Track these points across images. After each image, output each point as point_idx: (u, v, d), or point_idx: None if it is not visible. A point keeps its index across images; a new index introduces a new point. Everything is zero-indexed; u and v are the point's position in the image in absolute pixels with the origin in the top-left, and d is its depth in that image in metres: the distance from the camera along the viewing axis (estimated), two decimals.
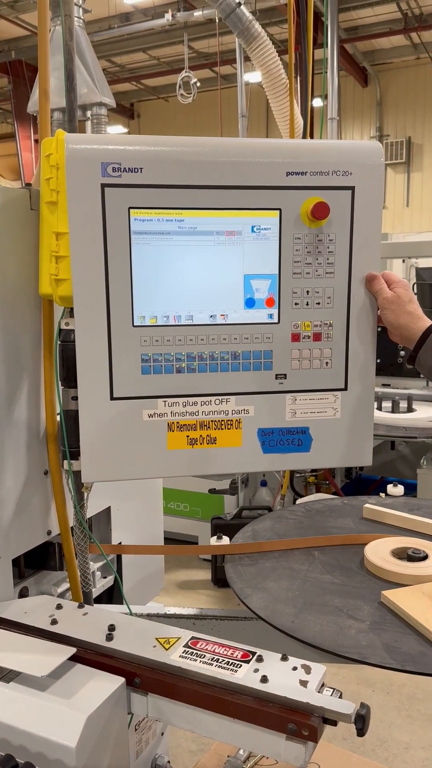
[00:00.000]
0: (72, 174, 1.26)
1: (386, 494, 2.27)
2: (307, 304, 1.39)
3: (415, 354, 1.37)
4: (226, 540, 1.70)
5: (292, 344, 1.39)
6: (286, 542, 1.61)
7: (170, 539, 2.77)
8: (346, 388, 1.44)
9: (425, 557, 1.46)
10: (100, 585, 1.73)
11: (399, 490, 2.64)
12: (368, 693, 3.05)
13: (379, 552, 1.49)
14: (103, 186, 1.26)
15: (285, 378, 1.41)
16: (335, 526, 1.73)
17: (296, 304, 1.38)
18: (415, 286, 4.46)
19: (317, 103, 6.97)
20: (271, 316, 1.38)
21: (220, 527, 3.34)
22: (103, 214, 1.27)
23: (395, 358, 4.08)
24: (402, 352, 4.02)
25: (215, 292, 1.35)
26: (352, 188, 1.36)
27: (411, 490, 3.52)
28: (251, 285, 1.36)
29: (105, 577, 1.76)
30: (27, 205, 1.41)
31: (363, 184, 1.36)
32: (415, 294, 4.58)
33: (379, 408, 3.86)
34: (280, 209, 1.34)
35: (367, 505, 1.79)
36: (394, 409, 3.84)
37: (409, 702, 3.01)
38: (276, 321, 1.38)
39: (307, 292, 1.38)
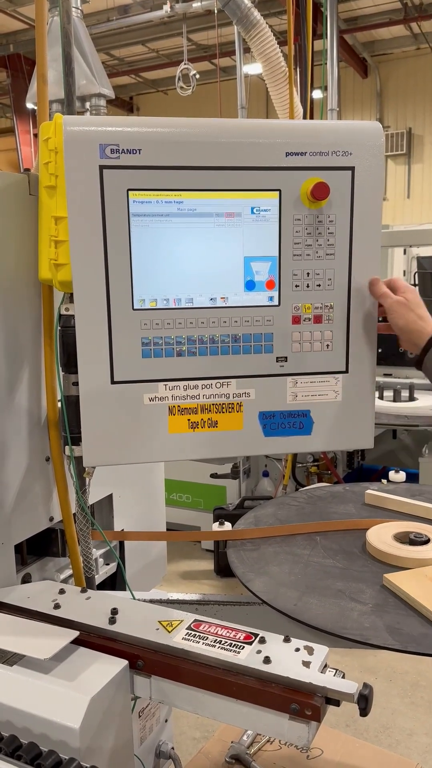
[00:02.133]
0: (70, 156, 1.25)
1: (388, 481, 2.27)
2: (308, 286, 1.38)
3: (421, 358, 1.36)
4: (228, 526, 1.70)
5: (293, 327, 1.39)
6: (288, 527, 1.61)
7: (172, 530, 2.78)
8: (347, 371, 1.43)
9: (427, 541, 1.46)
10: (103, 572, 1.74)
11: (401, 476, 2.64)
12: (371, 680, 3.05)
13: (381, 536, 1.49)
14: (102, 168, 1.26)
15: (286, 361, 1.40)
16: (337, 511, 1.73)
17: (297, 286, 1.38)
18: (416, 275, 4.45)
19: (317, 94, 6.94)
20: (271, 298, 1.37)
21: (222, 517, 3.35)
22: (102, 197, 1.27)
23: (397, 347, 4.07)
24: None
25: (215, 274, 1.34)
26: (352, 168, 1.35)
27: (413, 479, 3.51)
28: (251, 267, 1.35)
29: (107, 564, 1.76)
30: (26, 191, 1.40)
31: (363, 164, 1.35)
32: (416, 284, 4.58)
33: (381, 397, 3.86)
34: (279, 190, 1.33)
35: (368, 491, 1.79)
36: (396, 398, 3.83)
37: (412, 689, 3.02)
38: (276, 303, 1.38)
39: (308, 274, 1.38)
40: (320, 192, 1.32)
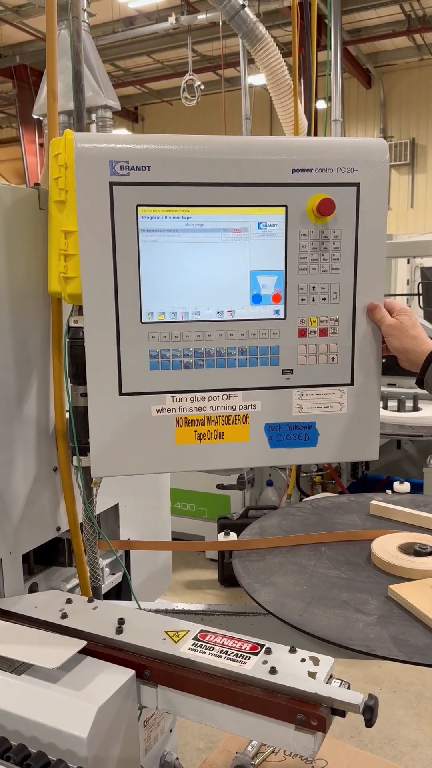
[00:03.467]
0: (81, 172, 1.27)
1: (393, 491, 2.28)
2: (314, 300, 1.40)
3: (422, 376, 1.39)
4: (233, 536, 1.71)
5: (299, 340, 1.41)
6: (293, 538, 1.62)
7: (177, 539, 2.79)
8: (352, 383, 1.45)
9: None
10: (109, 581, 1.75)
11: (405, 487, 2.65)
12: (375, 691, 3.04)
13: (386, 547, 1.50)
14: (112, 184, 1.28)
15: (291, 373, 1.42)
16: (342, 522, 1.74)
17: (302, 299, 1.40)
18: (420, 285, 4.46)
19: (321, 105, 7.00)
20: (277, 311, 1.39)
21: (226, 527, 3.35)
22: (112, 212, 1.29)
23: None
24: None
25: (222, 288, 1.36)
26: (357, 185, 1.37)
27: (417, 489, 3.52)
28: (258, 281, 1.37)
29: (113, 574, 1.77)
30: (36, 205, 1.43)
31: (368, 181, 1.37)
32: (420, 294, 4.60)
33: (385, 407, 3.87)
34: (286, 206, 1.35)
35: (373, 502, 1.80)
36: (400, 408, 3.84)
37: (417, 700, 3.01)
38: (282, 317, 1.40)
39: (313, 287, 1.39)
40: (326, 208, 1.34)
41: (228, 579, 4.05)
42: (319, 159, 1.35)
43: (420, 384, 1.40)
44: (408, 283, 6.38)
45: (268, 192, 1.34)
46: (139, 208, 1.30)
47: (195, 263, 1.35)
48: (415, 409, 3.89)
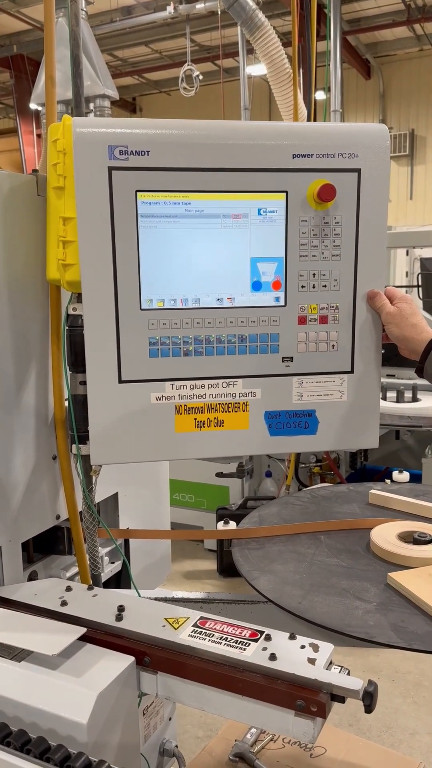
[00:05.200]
0: (79, 157, 1.26)
1: (392, 481, 2.29)
2: (314, 287, 1.39)
3: (421, 365, 1.38)
4: (233, 525, 1.71)
5: (299, 327, 1.40)
6: (293, 527, 1.62)
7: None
8: (352, 371, 1.44)
9: (431, 540, 1.47)
10: (108, 570, 1.75)
11: (404, 476, 2.66)
12: (374, 680, 3.06)
13: (385, 536, 1.50)
14: (111, 169, 1.27)
15: (291, 361, 1.41)
16: (341, 511, 1.74)
17: (303, 287, 1.39)
18: (420, 276, 4.45)
19: (320, 95, 6.96)
20: (277, 299, 1.39)
21: (225, 517, 3.36)
22: (111, 198, 1.28)
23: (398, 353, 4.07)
24: None
25: (222, 275, 1.36)
26: (358, 170, 1.36)
27: (416, 480, 3.52)
28: (258, 268, 1.36)
29: (113, 563, 1.78)
30: (34, 191, 1.42)
31: (369, 167, 1.36)
32: (420, 285, 4.59)
33: (384, 398, 3.87)
34: (286, 192, 1.34)
35: (372, 491, 1.80)
36: (399, 398, 3.84)
37: (415, 689, 3.02)
38: (282, 304, 1.39)
39: (314, 274, 1.39)
40: (327, 194, 1.33)
41: (226, 569, 4.06)
42: (319, 144, 1.34)
43: (420, 372, 1.40)
44: (407, 275, 6.36)
45: (269, 177, 1.33)
46: (138, 193, 1.29)
47: (195, 250, 1.34)
48: (414, 399, 3.89)
